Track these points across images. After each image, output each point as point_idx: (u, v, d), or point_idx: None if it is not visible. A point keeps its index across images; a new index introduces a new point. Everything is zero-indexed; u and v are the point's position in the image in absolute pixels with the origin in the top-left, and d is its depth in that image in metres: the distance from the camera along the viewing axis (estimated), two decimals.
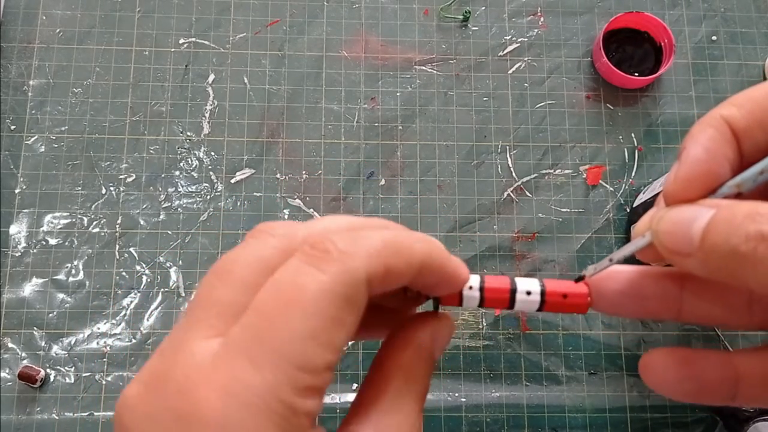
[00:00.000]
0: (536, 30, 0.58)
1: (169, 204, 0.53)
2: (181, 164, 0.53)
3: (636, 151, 0.55)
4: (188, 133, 0.54)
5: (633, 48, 0.57)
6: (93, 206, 0.52)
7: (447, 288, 0.20)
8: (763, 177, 0.17)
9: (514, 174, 0.55)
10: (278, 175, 0.54)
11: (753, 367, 0.18)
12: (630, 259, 0.19)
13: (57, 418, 0.48)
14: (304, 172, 0.54)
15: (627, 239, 0.53)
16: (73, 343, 0.49)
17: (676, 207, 0.18)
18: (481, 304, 0.20)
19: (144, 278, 0.51)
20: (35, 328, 0.49)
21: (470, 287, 0.20)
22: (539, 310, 0.20)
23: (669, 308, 0.19)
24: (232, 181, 0.53)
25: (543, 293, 0.20)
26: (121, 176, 0.53)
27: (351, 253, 0.16)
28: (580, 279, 0.21)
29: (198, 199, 0.53)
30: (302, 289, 0.16)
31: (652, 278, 0.20)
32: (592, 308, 0.20)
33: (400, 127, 0.55)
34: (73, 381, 0.48)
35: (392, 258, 0.17)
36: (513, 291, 0.20)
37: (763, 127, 0.18)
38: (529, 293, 0.20)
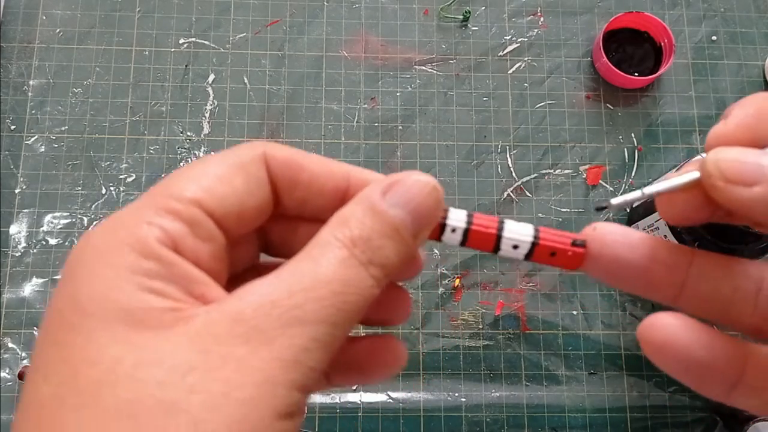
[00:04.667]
0: (536, 30, 0.58)
1: None
2: (182, 164, 0.53)
3: (636, 151, 0.55)
4: (188, 133, 0.54)
5: (633, 48, 0.57)
6: (93, 206, 0.52)
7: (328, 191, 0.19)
8: None
9: (514, 174, 0.55)
10: None
11: (764, 359, 0.17)
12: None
13: None
14: None
15: None
16: None
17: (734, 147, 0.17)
18: (464, 242, 0.19)
19: None
20: (35, 328, 0.49)
21: (452, 222, 0.19)
22: (525, 259, 0.19)
23: (674, 280, 0.18)
24: None
25: (533, 245, 0.19)
26: (121, 176, 0.53)
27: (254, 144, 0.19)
28: (601, 209, 0.19)
29: None
30: (206, 158, 0.19)
31: (663, 246, 0.18)
32: (590, 270, 0.19)
33: (400, 127, 0.55)
34: None
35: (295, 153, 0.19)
36: (499, 237, 0.19)
37: None
38: (516, 247, 0.19)
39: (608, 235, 0.18)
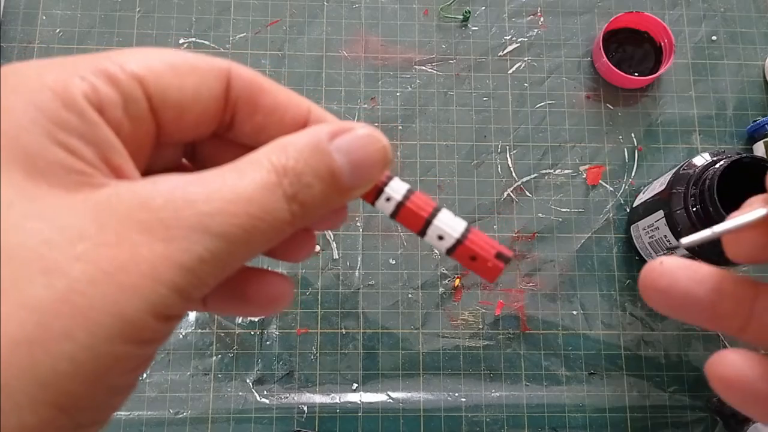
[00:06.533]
0: (536, 30, 0.58)
1: None
2: None
3: (636, 151, 0.56)
4: None
5: (633, 48, 0.57)
6: None
7: (280, 123, 0.18)
8: None
9: (514, 174, 0.55)
10: None
11: None
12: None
13: None
14: None
15: (627, 239, 0.53)
16: None
17: None
18: (394, 215, 0.19)
19: None
20: None
21: (390, 191, 0.18)
22: (447, 254, 0.19)
23: (740, 313, 0.18)
24: None
25: (457, 242, 0.19)
26: None
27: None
28: (673, 249, 0.19)
29: None
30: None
31: (730, 280, 0.18)
32: (656, 304, 0.19)
33: (400, 127, 0.55)
34: None
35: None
36: (428, 222, 0.19)
37: None
38: (441, 238, 0.19)
39: (678, 270, 0.18)
